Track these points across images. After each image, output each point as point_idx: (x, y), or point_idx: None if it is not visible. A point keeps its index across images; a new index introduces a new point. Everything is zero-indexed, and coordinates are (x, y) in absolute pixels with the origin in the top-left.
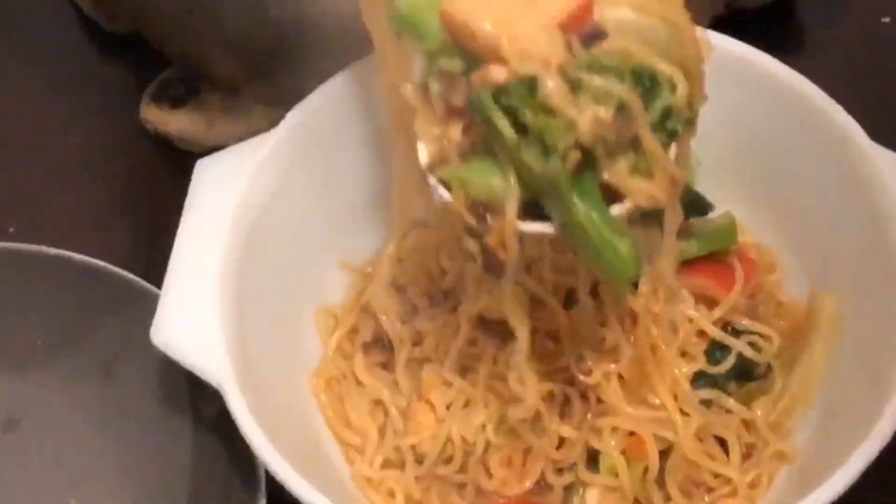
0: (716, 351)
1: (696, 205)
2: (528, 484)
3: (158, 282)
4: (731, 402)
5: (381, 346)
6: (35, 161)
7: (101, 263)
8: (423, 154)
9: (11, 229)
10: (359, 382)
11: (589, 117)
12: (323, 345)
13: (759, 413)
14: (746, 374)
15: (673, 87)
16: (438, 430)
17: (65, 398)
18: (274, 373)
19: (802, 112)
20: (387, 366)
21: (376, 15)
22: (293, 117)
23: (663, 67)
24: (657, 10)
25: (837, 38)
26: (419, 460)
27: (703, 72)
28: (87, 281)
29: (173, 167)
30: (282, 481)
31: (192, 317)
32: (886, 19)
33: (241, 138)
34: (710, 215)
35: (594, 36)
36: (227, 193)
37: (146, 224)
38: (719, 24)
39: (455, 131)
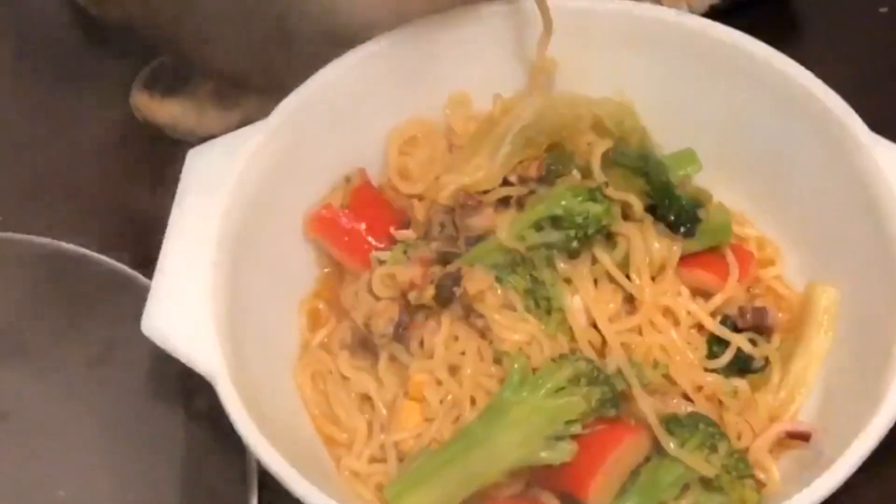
0: (714, 345)
1: (693, 207)
2: (520, 485)
3: (149, 272)
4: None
5: (364, 347)
6: (24, 150)
7: (91, 253)
8: None
9: (0, 218)
10: (343, 377)
11: None
12: (303, 338)
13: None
14: (745, 368)
15: None
16: (426, 430)
17: (54, 390)
18: (264, 365)
19: (801, 102)
20: (370, 369)
21: None
22: (286, 106)
23: None
24: None
25: (834, 27)
26: (401, 458)
27: None
28: (77, 271)
29: (164, 156)
30: (274, 473)
31: (184, 308)
32: (884, 9)
33: (233, 127)
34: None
35: None
36: (219, 183)
37: (137, 214)
38: (716, 14)
39: None
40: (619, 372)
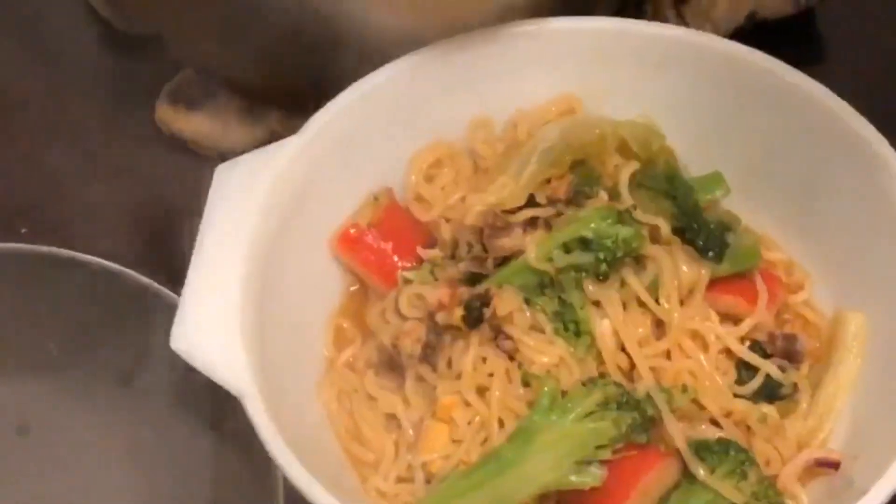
0: (744, 372)
1: (721, 231)
2: None
3: (176, 288)
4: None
5: (390, 367)
6: (49, 161)
7: (119, 267)
8: None
9: (24, 230)
10: (370, 396)
11: None
12: (329, 356)
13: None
14: (773, 394)
15: None
16: (453, 451)
17: (79, 405)
18: (291, 382)
19: (829, 126)
20: (397, 389)
21: None
22: (314, 123)
23: None
24: None
25: (859, 48)
26: (428, 479)
27: None
28: (104, 285)
29: (189, 170)
30: (301, 490)
31: (212, 324)
32: None
33: (257, 143)
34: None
35: None
36: (247, 199)
37: (162, 228)
38: (741, 36)
39: None
40: (649, 397)
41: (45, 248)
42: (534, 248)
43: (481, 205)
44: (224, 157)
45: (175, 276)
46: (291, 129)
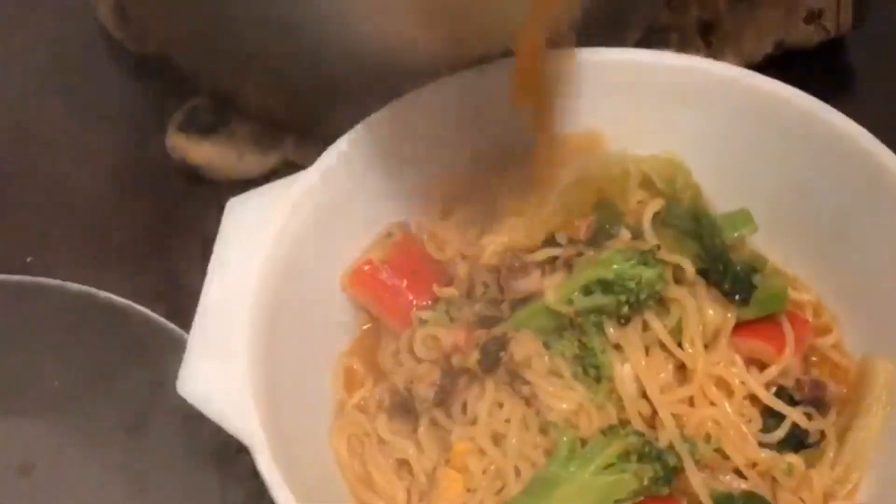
0: (769, 419)
1: (748, 273)
2: None
3: (184, 323)
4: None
5: (404, 411)
6: (56, 189)
7: (125, 301)
8: None
9: (29, 259)
10: (381, 441)
11: None
12: (339, 399)
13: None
14: (800, 443)
15: None
16: (468, 501)
17: (83, 445)
18: (300, 426)
19: (862, 165)
20: (410, 434)
21: None
22: (329, 156)
23: None
24: None
25: (889, 80)
26: None
27: None
28: (109, 320)
29: (201, 199)
30: None
31: (221, 368)
32: None
33: (272, 170)
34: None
35: None
36: (258, 236)
37: (172, 260)
38: (771, 62)
39: None
40: (671, 447)
41: (52, 281)
42: (553, 291)
43: (494, 245)
44: (236, 184)
45: (182, 310)
46: (305, 156)
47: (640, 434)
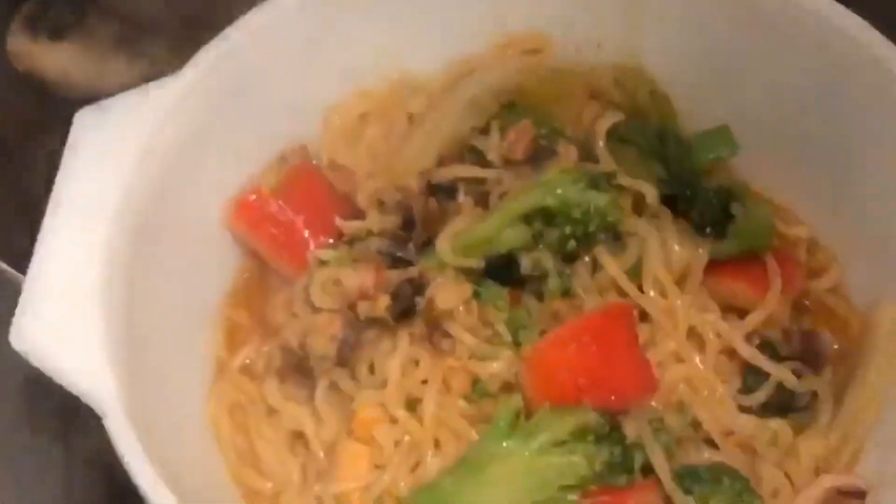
0: (750, 377)
1: (723, 201)
2: None
3: (24, 265)
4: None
5: (298, 372)
6: None
7: None
8: None
9: None
10: (271, 410)
11: None
12: (219, 358)
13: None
14: (787, 405)
15: None
16: (375, 480)
17: None
18: (168, 392)
19: (875, 76)
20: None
21: None
22: (205, 57)
23: None
24: None
25: None
26: None
27: None
28: None
29: (49, 117)
30: None
31: (66, 317)
32: None
33: (137, 82)
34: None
35: None
36: (117, 153)
37: (14, 194)
38: None
39: None
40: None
41: None
42: (447, 241)
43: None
44: (96, 100)
45: (24, 250)
46: (181, 66)
47: (601, 413)
